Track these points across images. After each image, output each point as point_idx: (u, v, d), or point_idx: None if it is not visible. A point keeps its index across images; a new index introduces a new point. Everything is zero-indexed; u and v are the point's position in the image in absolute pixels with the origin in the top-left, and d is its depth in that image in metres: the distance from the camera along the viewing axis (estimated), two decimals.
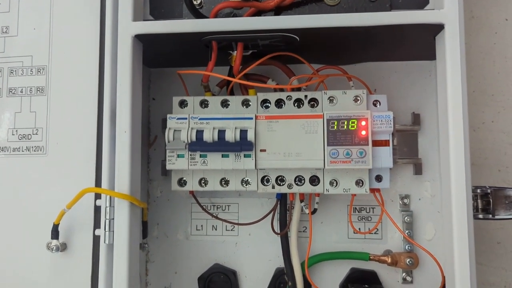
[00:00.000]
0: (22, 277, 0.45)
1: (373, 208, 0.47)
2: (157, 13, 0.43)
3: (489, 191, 0.38)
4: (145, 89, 0.48)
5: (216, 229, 0.48)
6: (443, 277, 0.41)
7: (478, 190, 0.38)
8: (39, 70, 0.47)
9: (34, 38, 0.47)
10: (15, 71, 0.47)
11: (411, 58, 0.47)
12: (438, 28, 0.37)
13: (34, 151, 0.46)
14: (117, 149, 0.39)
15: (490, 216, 0.37)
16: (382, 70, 0.47)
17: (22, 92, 0.47)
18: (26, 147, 0.46)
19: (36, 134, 0.46)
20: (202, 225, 0.48)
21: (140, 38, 0.40)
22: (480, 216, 0.37)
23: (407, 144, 0.46)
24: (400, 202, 0.46)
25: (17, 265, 0.45)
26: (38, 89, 0.47)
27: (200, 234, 0.48)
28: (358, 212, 0.47)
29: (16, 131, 0.47)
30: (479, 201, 0.38)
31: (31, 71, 0.47)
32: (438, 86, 0.39)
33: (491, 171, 0.48)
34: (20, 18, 0.48)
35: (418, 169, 0.45)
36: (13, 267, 0.45)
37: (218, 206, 0.48)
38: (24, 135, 0.46)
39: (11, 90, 0.47)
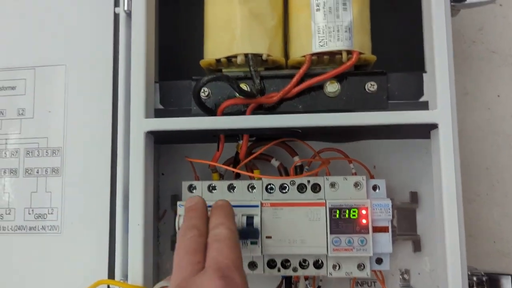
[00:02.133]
0: None
1: (374, 282, 0.48)
2: (167, 102, 0.46)
3: (484, 278, 0.40)
4: (154, 164, 0.50)
5: None
6: None
7: (474, 278, 0.40)
8: (54, 151, 0.49)
9: (49, 121, 0.50)
10: (31, 152, 0.50)
11: (408, 137, 0.49)
12: (432, 126, 0.40)
13: (49, 230, 0.48)
14: (130, 242, 0.41)
15: None
16: (381, 148, 0.50)
17: (38, 172, 0.49)
18: (42, 226, 0.48)
19: (51, 213, 0.48)
20: None
21: (152, 133, 0.42)
22: None
23: (405, 221, 0.48)
24: (400, 277, 0.48)
25: None
26: (53, 169, 0.49)
27: None
28: (361, 286, 0.49)
29: (32, 210, 0.49)
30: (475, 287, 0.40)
31: (46, 152, 0.49)
32: (433, 173, 0.42)
33: (487, 242, 0.50)
34: (35, 101, 0.50)
35: (416, 246, 0.47)
36: None
37: None
38: (40, 215, 0.49)
39: (27, 170, 0.49)
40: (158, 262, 0.51)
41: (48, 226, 0.48)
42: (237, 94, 0.42)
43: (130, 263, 0.41)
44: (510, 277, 0.41)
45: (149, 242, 0.42)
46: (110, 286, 0.43)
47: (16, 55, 0.51)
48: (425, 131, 0.42)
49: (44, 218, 0.48)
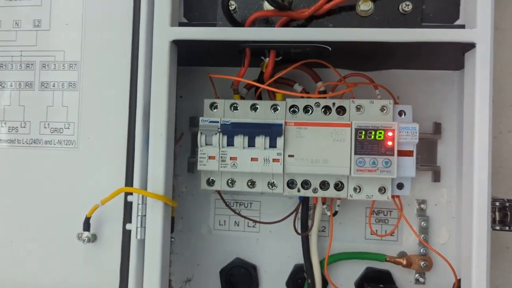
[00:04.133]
0: (54, 265, 0.47)
1: (390, 211, 0.49)
2: (191, 16, 0.44)
3: (507, 204, 0.39)
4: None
5: (238, 225, 0.50)
6: (456, 280, 0.43)
7: (497, 203, 0.40)
8: (71, 65, 0.48)
9: (67, 33, 0.48)
10: (47, 65, 0.48)
11: (435, 68, 0.48)
12: (469, 46, 0.38)
13: (66, 144, 0.47)
14: (151, 151, 0.40)
15: (507, 228, 0.39)
16: (406, 78, 0.49)
17: (54, 86, 0.48)
18: (58, 140, 0.48)
19: (68, 128, 0.47)
20: (225, 221, 0.50)
21: (176, 43, 0.41)
22: (497, 227, 0.40)
23: (426, 152, 0.48)
24: (417, 207, 0.48)
25: (49, 254, 0.47)
26: (70, 84, 0.48)
27: (222, 229, 0.50)
28: (376, 214, 0.49)
29: (48, 124, 0.48)
30: (497, 213, 0.40)
31: (63, 66, 0.48)
32: (465, 98, 0.41)
33: (507, 178, 0.50)
34: (52, 12, 0.48)
35: (436, 177, 0.47)
36: (46, 255, 0.47)
37: (241, 203, 0.50)
38: (56, 129, 0.48)
39: (43, 84, 0.48)
40: (174, 184, 0.51)
41: (64, 141, 0.47)
42: (267, 7, 0.40)
43: (151, 172, 0.40)
44: None
45: (170, 153, 0.41)
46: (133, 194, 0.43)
47: None
48: (458, 56, 0.41)
49: (61, 133, 0.48)
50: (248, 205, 0.50)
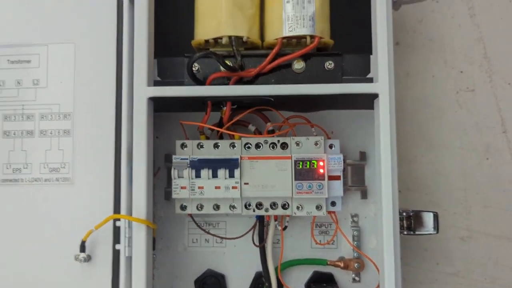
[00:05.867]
0: (55, 284, 0.56)
1: (330, 224, 0.60)
2: (163, 74, 0.55)
3: (411, 214, 0.52)
4: None
5: (208, 242, 0.61)
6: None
7: (404, 213, 0.52)
8: (65, 116, 0.58)
9: (61, 90, 0.59)
10: (45, 116, 0.58)
11: (359, 108, 0.60)
12: (374, 96, 0.51)
13: (63, 181, 0.57)
14: (134, 184, 0.51)
15: (412, 232, 0.51)
16: (338, 116, 0.61)
17: (51, 133, 0.58)
18: (56, 178, 0.58)
19: (63, 167, 0.58)
20: (197, 239, 0.61)
21: (152, 99, 0.52)
22: (405, 232, 0.52)
23: (356, 175, 0.59)
24: (351, 219, 0.60)
25: (49, 275, 0.56)
26: (65, 131, 0.58)
27: (195, 246, 0.61)
28: (319, 227, 0.60)
29: (47, 165, 0.58)
30: (404, 221, 0.52)
31: (58, 116, 0.58)
32: (375, 135, 0.53)
33: (420, 194, 0.63)
34: (48, 73, 0.59)
35: (364, 195, 0.59)
36: (47, 276, 0.56)
37: (210, 223, 0.61)
38: (53, 168, 0.58)
39: (42, 132, 0.58)
40: (154, 210, 0.61)
41: (61, 178, 0.57)
42: (222, 69, 0.52)
43: (135, 199, 0.51)
44: (431, 213, 0.53)
45: (150, 185, 0.52)
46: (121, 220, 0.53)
47: (31, 34, 0.59)
48: (370, 101, 0.54)
49: (58, 171, 0.58)
50: (215, 224, 0.61)
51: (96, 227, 0.53)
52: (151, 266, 0.52)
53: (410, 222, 0.52)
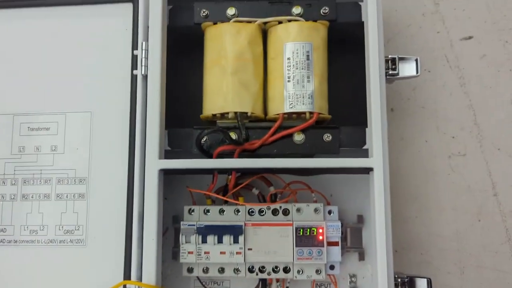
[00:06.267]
0: None
1: (329, 284, 0.63)
2: (173, 145, 0.60)
3: (406, 279, 0.55)
4: None
5: None
6: None
7: (399, 279, 0.55)
8: (80, 180, 0.62)
9: (77, 156, 0.63)
10: (62, 180, 0.62)
11: (356, 173, 0.64)
12: (369, 169, 0.55)
13: (76, 243, 0.61)
14: (145, 250, 0.54)
15: None
16: (336, 180, 0.64)
17: (67, 197, 0.62)
18: (70, 240, 0.61)
19: (78, 230, 0.61)
20: None
21: (163, 170, 0.56)
22: None
23: (354, 236, 0.62)
24: (349, 279, 0.63)
25: None
26: (80, 195, 0.62)
27: None
28: (319, 287, 0.63)
29: (62, 227, 0.61)
30: (399, 287, 0.55)
31: (74, 181, 0.62)
32: (371, 202, 0.57)
33: (415, 254, 0.66)
34: (66, 140, 0.63)
35: (361, 256, 0.62)
36: None
37: (215, 282, 0.64)
38: (68, 231, 0.61)
39: (58, 195, 0.62)
40: (162, 269, 0.64)
41: (75, 240, 0.61)
42: (228, 141, 0.56)
43: (146, 266, 0.54)
44: (425, 279, 0.56)
45: (159, 252, 0.56)
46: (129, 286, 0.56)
47: (51, 103, 0.64)
48: (366, 171, 0.58)
49: (72, 233, 0.61)
50: (220, 283, 0.64)
51: None
52: None
53: (405, 287, 0.55)
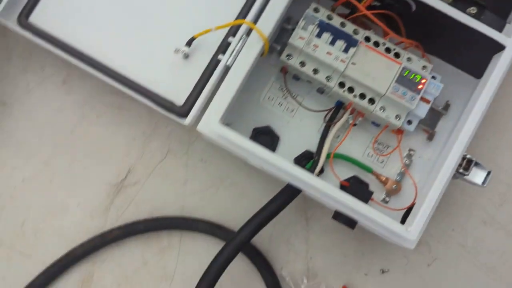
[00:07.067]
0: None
1: (388, 146, 0.65)
2: None
3: (468, 157, 0.57)
4: None
5: (281, 106, 0.66)
6: (412, 203, 0.60)
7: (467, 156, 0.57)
8: None
9: None
10: None
11: (466, 69, 0.65)
12: (501, 47, 0.56)
13: None
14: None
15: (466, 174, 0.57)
16: (447, 71, 0.65)
17: None
18: None
19: None
20: (273, 98, 0.66)
21: None
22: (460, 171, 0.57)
23: (433, 118, 0.64)
24: (408, 152, 0.65)
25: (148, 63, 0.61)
26: None
27: (268, 103, 0.65)
28: (378, 143, 0.65)
29: None
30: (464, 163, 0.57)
31: None
32: (476, 90, 0.58)
33: None
34: None
35: (430, 137, 0.64)
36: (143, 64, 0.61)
37: (291, 92, 0.66)
38: None
39: None
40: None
41: None
42: None
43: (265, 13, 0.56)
44: (486, 172, 0.58)
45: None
46: None
47: None
48: (485, 59, 0.59)
49: None
50: (295, 96, 0.66)
51: (217, 28, 0.58)
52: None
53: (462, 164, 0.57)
